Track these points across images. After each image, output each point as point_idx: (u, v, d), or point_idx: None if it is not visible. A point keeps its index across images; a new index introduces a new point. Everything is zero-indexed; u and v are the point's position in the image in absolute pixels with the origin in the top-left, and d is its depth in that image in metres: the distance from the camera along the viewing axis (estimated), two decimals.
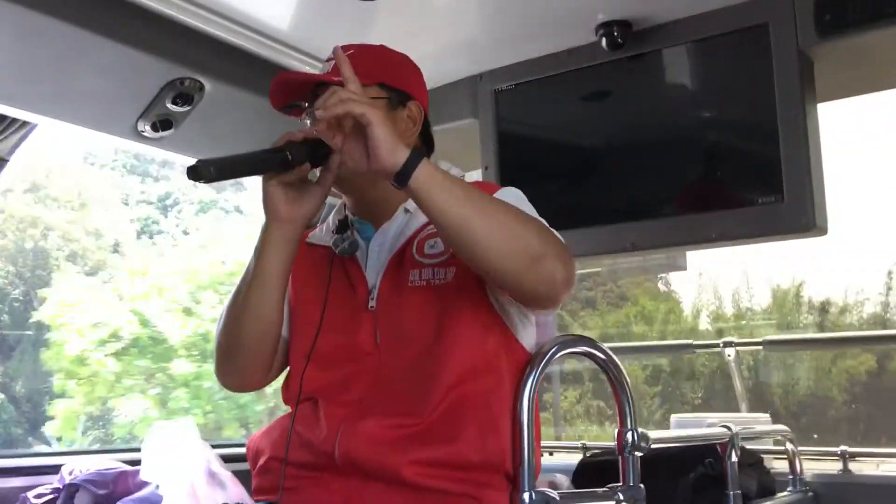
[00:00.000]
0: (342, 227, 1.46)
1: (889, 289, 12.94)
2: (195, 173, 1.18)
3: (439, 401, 1.27)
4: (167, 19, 1.93)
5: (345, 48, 1.40)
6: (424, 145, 1.50)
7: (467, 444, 1.26)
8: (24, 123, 1.97)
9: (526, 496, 1.26)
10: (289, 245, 1.36)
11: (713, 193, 2.10)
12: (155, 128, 2.06)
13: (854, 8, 1.88)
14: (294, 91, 1.42)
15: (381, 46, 1.48)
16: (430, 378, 1.29)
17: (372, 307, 1.38)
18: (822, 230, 1.98)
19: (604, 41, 2.13)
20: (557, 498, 1.28)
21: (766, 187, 1.99)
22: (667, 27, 2.11)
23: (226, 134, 2.21)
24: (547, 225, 1.34)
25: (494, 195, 1.35)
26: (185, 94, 2.03)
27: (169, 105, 2.03)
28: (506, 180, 2.33)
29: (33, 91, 1.88)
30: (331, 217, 1.52)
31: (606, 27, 2.11)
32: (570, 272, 1.29)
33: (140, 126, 2.05)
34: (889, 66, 2.07)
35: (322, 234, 1.51)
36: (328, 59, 1.42)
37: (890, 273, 12.98)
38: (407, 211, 1.43)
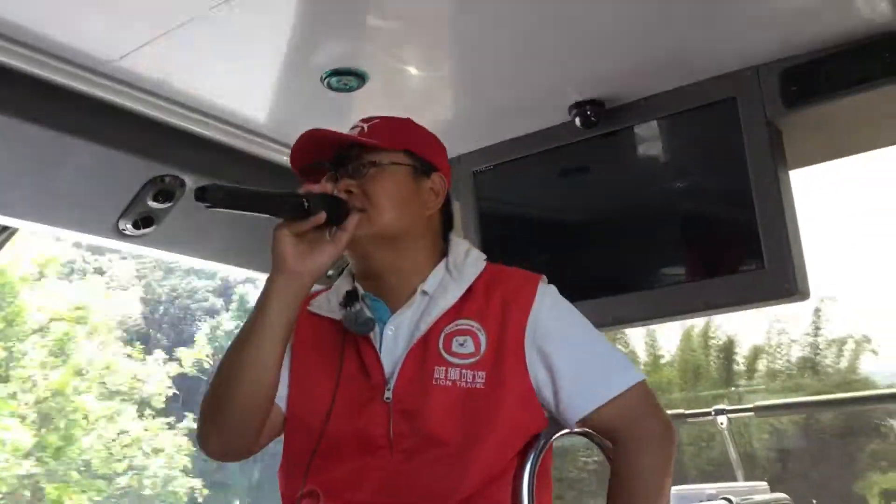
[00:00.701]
0: (350, 299, 1.38)
1: (818, 328, 12.93)
2: (203, 193, 1.14)
3: (450, 501, 1.23)
4: (146, 118, 1.94)
5: (369, 119, 1.41)
6: (444, 220, 1.48)
7: None
8: (5, 227, 1.96)
9: None
10: (292, 301, 1.29)
11: (695, 263, 2.12)
12: (136, 226, 2.06)
13: (819, 78, 1.93)
14: (318, 151, 1.39)
15: (408, 118, 1.48)
16: (448, 484, 1.24)
17: (388, 398, 1.30)
18: (805, 295, 1.99)
19: (577, 120, 2.17)
20: None
21: (746, 255, 2.01)
22: (638, 104, 2.16)
23: (208, 229, 2.20)
24: (633, 382, 1.34)
25: (535, 298, 1.35)
26: (167, 191, 2.03)
27: (150, 202, 2.03)
28: (489, 260, 2.33)
29: (12, 195, 1.87)
30: (336, 285, 1.45)
31: (580, 106, 2.15)
32: (669, 425, 1.36)
33: (121, 225, 2.04)
34: (854, 132, 2.13)
35: (329, 304, 1.42)
36: (353, 127, 1.42)
37: (818, 311, 13.04)
38: (425, 293, 1.37)
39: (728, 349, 13.48)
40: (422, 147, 1.44)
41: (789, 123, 2.02)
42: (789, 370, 13.63)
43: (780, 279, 1.95)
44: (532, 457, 1.29)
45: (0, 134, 1.73)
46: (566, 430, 1.34)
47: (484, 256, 1.44)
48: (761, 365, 13.68)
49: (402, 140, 1.41)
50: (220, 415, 1.32)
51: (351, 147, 1.38)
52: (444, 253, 1.44)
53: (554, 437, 1.33)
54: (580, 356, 1.34)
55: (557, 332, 1.34)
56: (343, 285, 1.44)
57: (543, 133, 2.29)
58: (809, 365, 13.53)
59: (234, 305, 23.42)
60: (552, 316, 1.35)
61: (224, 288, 24.30)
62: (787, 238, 1.96)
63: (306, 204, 1.25)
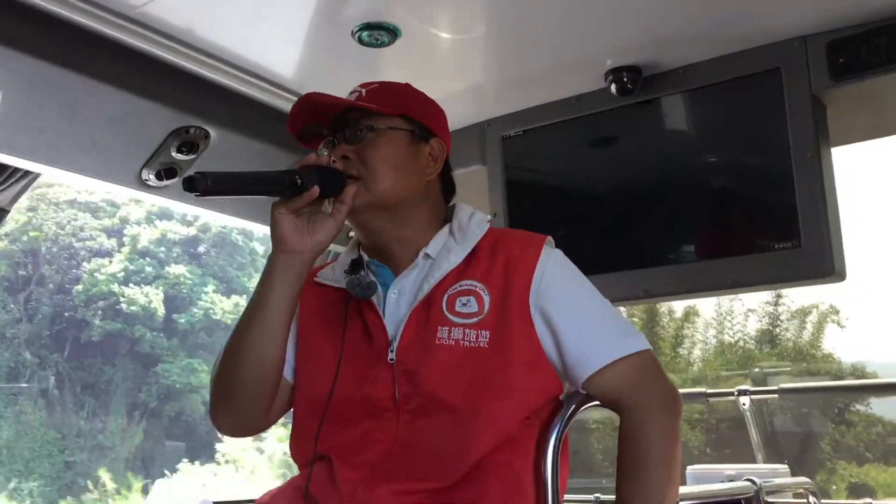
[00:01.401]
0: (356, 267, 1.37)
1: (779, 296, 12.38)
2: (191, 183, 1.13)
3: (464, 468, 1.21)
4: (173, 67, 1.91)
5: (368, 84, 1.39)
6: (444, 187, 1.46)
7: None
8: (27, 173, 1.95)
9: None
10: (295, 278, 1.29)
11: (728, 239, 2.06)
12: (160, 176, 2.04)
13: (867, 52, 1.86)
14: (316, 116, 1.38)
15: (407, 83, 1.45)
16: (457, 446, 1.23)
17: (391, 360, 1.29)
18: (841, 276, 1.93)
19: (613, 87, 2.11)
20: None
21: (782, 233, 1.95)
22: (677, 73, 2.09)
23: None
24: (637, 349, 1.32)
25: (538, 259, 1.32)
26: (191, 142, 2.01)
27: (174, 153, 2.01)
28: (515, 226, 2.30)
29: (37, 141, 1.85)
30: (342, 256, 1.45)
31: (616, 73, 2.09)
32: (675, 394, 1.33)
33: (144, 175, 2.02)
34: None
35: (334, 274, 1.42)
36: (351, 92, 1.39)
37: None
38: (428, 256, 1.36)
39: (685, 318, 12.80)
40: (420, 112, 1.41)
41: (834, 98, 1.95)
42: (744, 343, 12.98)
43: (817, 259, 1.89)
44: (558, 426, 1.26)
45: (27, 78, 1.71)
46: (593, 402, 1.30)
47: (488, 219, 1.43)
48: (710, 336, 13.02)
49: (399, 105, 1.38)
50: (230, 393, 1.34)
51: (348, 112, 1.36)
52: (445, 219, 1.43)
53: (583, 408, 1.29)
54: (585, 318, 1.32)
55: (562, 294, 1.32)
56: (349, 255, 1.43)
57: (577, 99, 2.24)
58: (768, 338, 12.94)
59: (126, 249, 21.92)
60: (557, 277, 1.33)
61: (119, 229, 22.42)
62: (826, 217, 1.90)
63: (299, 180, 1.23)
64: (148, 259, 21.96)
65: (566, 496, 1.37)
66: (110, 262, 21.82)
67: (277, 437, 15.26)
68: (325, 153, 1.36)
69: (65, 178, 2.04)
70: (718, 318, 12.80)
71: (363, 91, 1.38)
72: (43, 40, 1.68)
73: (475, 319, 1.29)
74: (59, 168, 1.95)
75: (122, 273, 21.46)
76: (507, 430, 1.25)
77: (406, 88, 1.44)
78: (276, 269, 1.28)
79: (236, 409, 1.35)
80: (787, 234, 1.93)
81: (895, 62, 1.85)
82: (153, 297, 21.20)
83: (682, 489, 1.61)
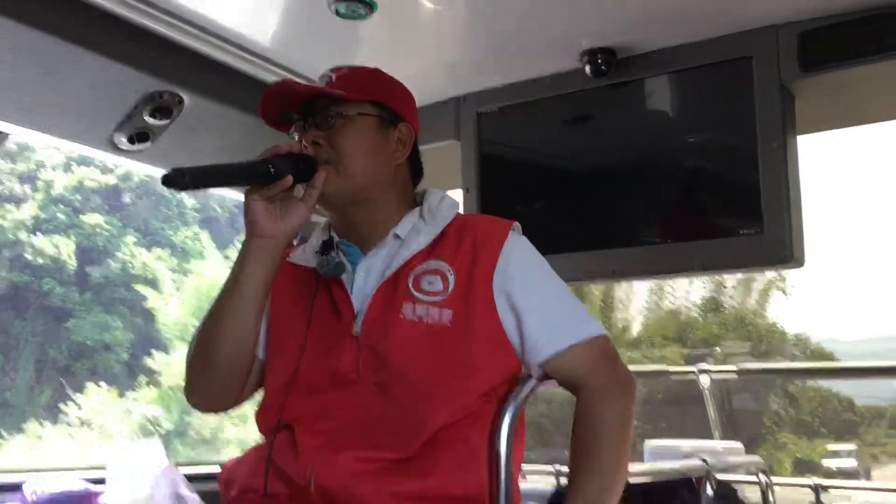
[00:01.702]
0: (326, 248, 1.42)
1: None
2: (169, 181, 1.16)
3: (421, 440, 1.25)
4: (147, 32, 1.90)
5: (338, 68, 1.41)
6: (412, 170, 1.48)
7: (447, 476, 1.24)
8: None
9: None
10: (269, 262, 1.33)
11: (694, 223, 2.10)
12: (132, 140, 2.03)
13: (837, 44, 1.89)
14: (286, 102, 1.40)
15: (376, 68, 1.47)
16: (416, 418, 1.26)
17: (356, 333, 1.33)
18: (800, 262, 1.98)
19: (588, 68, 2.13)
20: None
21: (746, 219, 1.99)
22: (651, 56, 2.11)
23: (205, 149, 2.17)
24: (593, 334, 1.36)
25: (504, 244, 1.36)
26: (164, 108, 2.00)
27: (147, 118, 1.99)
28: (487, 203, 2.32)
29: (7, 101, 1.84)
30: (313, 237, 1.49)
31: (591, 54, 2.11)
32: (629, 379, 1.37)
33: (116, 138, 2.01)
34: (868, 100, 2.10)
35: (305, 254, 1.46)
36: (321, 77, 1.41)
37: None
38: (397, 237, 1.40)
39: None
40: (389, 97, 1.44)
41: (803, 87, 1.98)
42: (687, 311, 12.89)
43: (778, 245, 1.93)
44: (514, 403, 1.29)
45: (0, 38, 1.69)
46: (550, 381, 1.34)
47: (458, 204, 1.46)
48: (652, 302, 12.94)
49: (368, 91, 1.40)
50: (205, 373, 1.39)
51: (319, 98, 1.38)
52: (414, 202, 1.47)
53: (538, 387, 1.33)
54: (546, 302, 1.36)
55: (525, 278, 1.36)
56: (320, 236, 1.47)
57: (553, 78, 2.25)
58: (712, 307, 12.86)
59: (39, 195, 20.59)
60: (520, 262, 1.37)
61: (34, 175, 21.20)
62: (789, 204, 1.94)
63: (272, 170, 1.27)
64: (62, 207, 20.68)
65: (525, 466, 1.41)
66: (18, 208, 20.54)
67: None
68: (296, 137, 1.39)
69: (35, 138, 2.02)
70: (660, 284, 12.68)
71: (333, 76, 1.40)
72: (17, 2, 1.66)
73: (439, 298, 1.32)
74: (29, 128, 1.93)
75: (32, 221, 20.22)
76: (466, 405, 1.28)
77: (376, 74, 1.46)
78: (251, 253, 1.32)
79: (212, 389, 1.41)
80: (750, 220, 1.97)
81: (864, 55, 1.88)
82: (64, 248, 20.03)
83: (637, 467, 1.67)
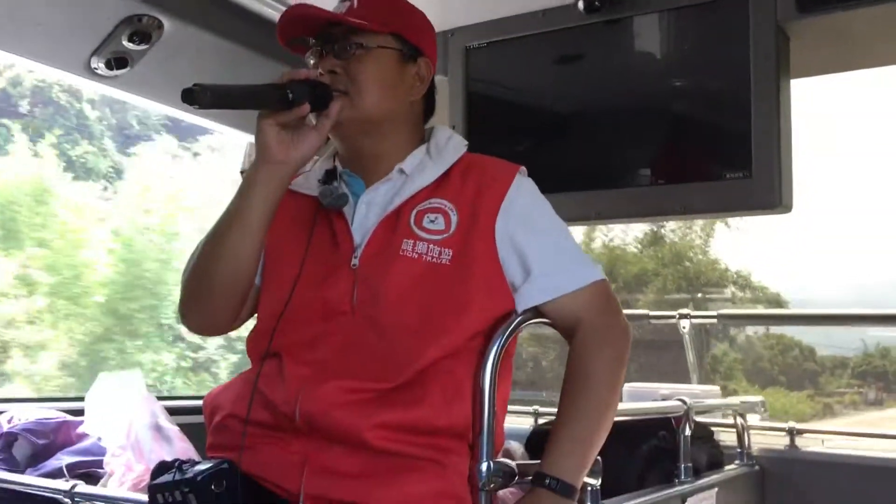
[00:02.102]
0: (329, 177, 1.39)
1: None
2: (190, 96, 1.15)
3: (409, 374, 1.25)
4: None
5: None
6: (426, 107, 1.46)
7: (432, 408, 1.24)
8: None
9: (484, 466, 1.24)
10: (277, 188, 1.30)
11: (681, 165, 2.07)
12: (109, 65, 1.97)
13: None
14: (304, 26, 1.35)
15: None
16: (405, 352, 1.26)
17: (354, 265, 1.32)
18: (787, 208, 1.97)
19: (580, 3, 2.08)
20: (516, 469, 1.26)
21: (734, 162, 1.97)
22: None
23: (184, 76, 2.08)
24: (595, 279, 1.35)
25: (510, 187, 1.35)
26: (143, 32, 1.94)
27: (125, 42, 1.93)
28: (473, 139, 2.24)
29: None
30: (318, 165, 1.45)
31: None
32: (626, 327, 1.37)
33: (93, 63, 1.95)
34: (865, 44, 2.06)
35: (307, 182, 1.43)
36: (343, 1, 1.37)
37: None
38: (402, 172, 1.37)
39: None
40: (411, 30, 1.40)
41: (799, 29, 1.95)
42: (624, 245, 12.51)
43: (766, 189, 1.91)
44: (500, 339, 1.28)
45: None
46: (539, 319, 1.34)
47: (465, 143, 1.44)
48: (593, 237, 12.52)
49: (392, 22, 1.37)
50: (202, 294, 1.36)
51: (338, 24, 1.34)
52: (423, 139, 1.45)
53: (526, 324, 1.32)
54: (549, 246, 1.36)
55: (529, 222, 1.35)
56: (324, 164, 1.44)
57: (544, 13, 2.19)
58: (651, 240, 12.57)
59: None
60: (525, 205, 1.36)
61: None
62: (779, 148, 1.92)
63: (290, 95, 1.24)
64: None
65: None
66: None
67: None
68: (312, 62, 1.36)
69: (8, 59, 1.95)
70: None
71: (355, 2, 1.35)
72: None
73: (441, 237, 1.31)
74: (3, 49, 1.87)
75: None
76: (456, 343, 1.28)
77: (400, 3, 1.42)
78: (260, 178, 1.29)
79: (208, 310, 1.38)
80: (738, 163, 1.95)
81: None
82: None
83: (621, 406, 1.67)
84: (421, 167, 1.38)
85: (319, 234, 1.36)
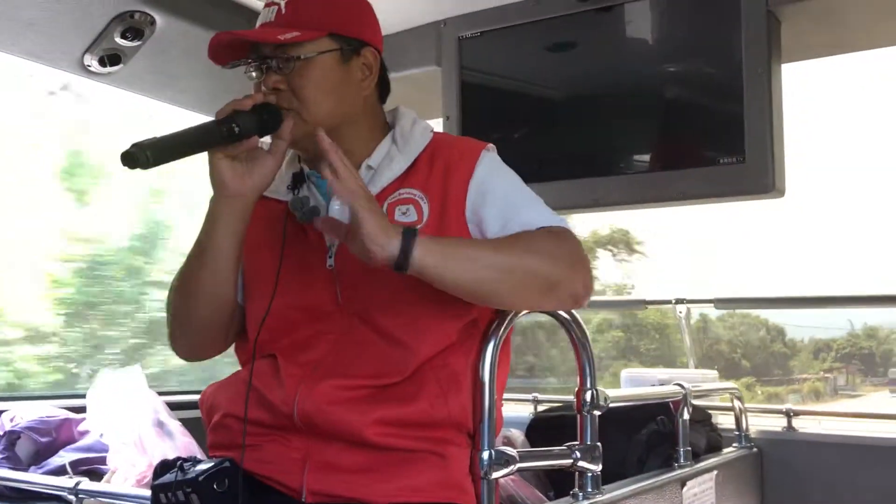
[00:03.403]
0: (297, 181, 1.36)
1: None
2: (130, 159, 1.08)
3: (406, 371, 1.24)
4: None
5: None
6: (380, 90, 1.41)
7: (429, 402, 1.24)
8: None
9: (485, 455, 1.25)
10: (240, 220, 1.27)
11: (676, 152, 2.08)
12: (102, 62, 1.97)
13: None
14: (237, 48, 1.30)
15: None
16: (401, 347, 1.25)
17: (331, 266, 1.30)
18: (781, 192, 1.98)
19: None
20: (517, 457, 1.27)
21: (727, 147, 1.97)
22: None
23: (177, 71, 2.12)
24: (556, 224, 1.27)
25: (476, 166, 1.31)
26: (136, 29, 1.94)
27: (118, 39, 1.93)
28: (468, 130, 2.29)
29: None
30: (283, 167, 1.40)
31: None
32: (586, 281, 1.27)
33: (87, 60, 1.96)
34: (856, 28, 2.07)
35: (276, 186, 1.38)
36: (268, 5, 1.31)
37: None
38: (370, 168, 1.35)
39: None
40: (347, 23, 1.32)
41: (790, 14, 1.95)
42: None
43: (760, 174, 1.92)
44: (497, 331, 1.29)
45: None
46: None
47: (431, 127, 1.40)
48: None
49: (324, 21, 1.30)
50: (186, 327, 1.36)
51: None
52: (386, 124, 1.41)
53: (521, 315, 1.32)
54: (508, 201, 1.31)
55: (491, 191, 1.31)
56: (291, 166, 1.41)
57: (536, 2, 2.20)
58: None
59: None
60: (489, 178, 1.32)
61: None
62: (771, 133, 1.93)
63: (236, 129, 1.20)
64: None
65: (505, 394, 1.42)
66: None
67: None
68: (254, 77, 1.30)
69: (3, 58, 1.95)
70: None
71: (282, 4, 1.30)
72: None
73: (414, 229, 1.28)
74: None
75: None
76: (450, 333, 1.27)
77: None
78: (221, 213, 1.26)
79: (194, 340, 1.39)
80: (731, 148, 1.96)
81: None
82: None
83: (616, 392, 1.68)
84: (388, 159, 1.34)
85: (291, 239, 1.33)
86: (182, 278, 1.33)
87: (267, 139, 1.27)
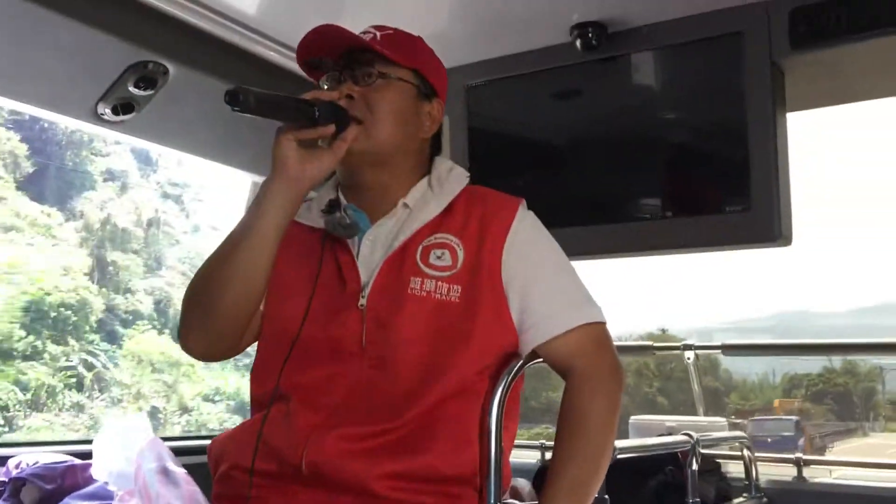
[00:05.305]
0: (332, 207, 1.36)
1: None
2: (233, 98, 1.14)
3: (416, 415, 1.24)
4: (131, 0, 1.86)
5: (381, 27, 1.38)
6: (432, 148, 1.46)
7: (441, 456, 1.23)
8: None
9: None
10: (289, 207, 1.27)
11: (681, 199, 2.10)
12: (116, 111, 2.00)
13: (828, 21, 1.88)
14: (327, 46, 1.34)
15: (419, 36, 1.43)
16: (414, 393, 1.25)
17: (362, 305, 1.30)
18: (787, 240, 1.99)
19: (578, 42, 2.11)
20: None
21: (733, 195, 1.99)
22: (641, 30, 2.10)
23: (190, 120, 2.15)
24: (594, 320, 1.34)
25: (513, 223, 1.34)
26: (149, 78, 1.97)
27: (131, 88, 1.96)
28: (475, 177, 2.28)
29: None
30: (318, 195, 1.43)
31: (581, 28, 2.09)
32: (623, 385, 1.34)
33: (100, 109, 1.98)
34: (857, 79, 2.10)
35: (310, 213, 1.40)
36: (364, 33, 1.36)
37: None
38: (406, 206, 1.36)
39: None
40: (430, 70, 1.41)
41: (793, 64, 1.98)
42: None
43: (766, 223, 1.94)
44: (506, 379, 1.28)
45: None
46: (539, 360, 1.34)
47: (467, 174, 1.43)
48: None
49: (413, 58, 1.37)
50: (208, 318, 1.30)
51: (361, 52, 1.34)
52: (425, 174, 1.44)
53: (529, 364, 1.32)
54: (552, 283, 1.34)
55: (532, 257, 1.34)
56: (326, 194, 1.42)
57: (542, 52, 2.23)
58: None
59: None
60: (529, 240, 1.35)
61: None
62: (777, 181, 1.95)
63: (317, 113, 1.24)
64: None
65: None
66: None
67: None
68: (327, 86, 1.35)
69: (17, 107, 1.99)
70: None
71: (377, 34, 1.36)
72: None
73: (448, 273, 1.30)
74: (10, 97, 1.90)
75: None
76: (462, 379, 1.27)
77: (419, 42, 1.42)
78: (274, 194, 1.26)
79: (213, 334, 1.33)
80: (737, 197, 1.97)
81: (854, 32, 1.88)
82: None
83: (623, 443, 1.67)
84: (424, 201, 1.37)
85: (326, 269, 1.33)
86: (216, 263, 1.29)
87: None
